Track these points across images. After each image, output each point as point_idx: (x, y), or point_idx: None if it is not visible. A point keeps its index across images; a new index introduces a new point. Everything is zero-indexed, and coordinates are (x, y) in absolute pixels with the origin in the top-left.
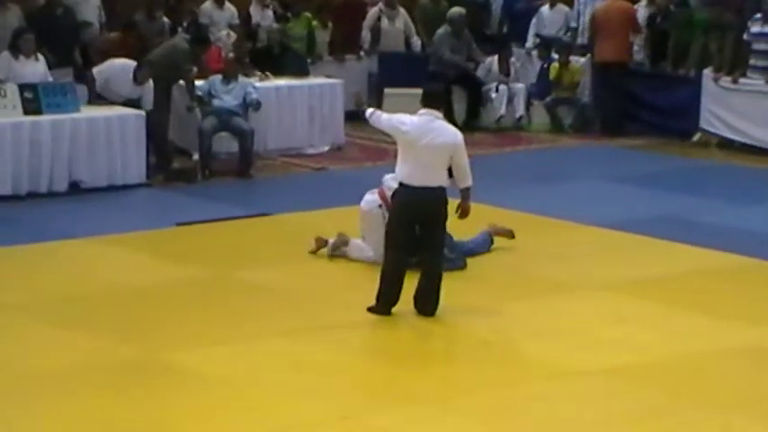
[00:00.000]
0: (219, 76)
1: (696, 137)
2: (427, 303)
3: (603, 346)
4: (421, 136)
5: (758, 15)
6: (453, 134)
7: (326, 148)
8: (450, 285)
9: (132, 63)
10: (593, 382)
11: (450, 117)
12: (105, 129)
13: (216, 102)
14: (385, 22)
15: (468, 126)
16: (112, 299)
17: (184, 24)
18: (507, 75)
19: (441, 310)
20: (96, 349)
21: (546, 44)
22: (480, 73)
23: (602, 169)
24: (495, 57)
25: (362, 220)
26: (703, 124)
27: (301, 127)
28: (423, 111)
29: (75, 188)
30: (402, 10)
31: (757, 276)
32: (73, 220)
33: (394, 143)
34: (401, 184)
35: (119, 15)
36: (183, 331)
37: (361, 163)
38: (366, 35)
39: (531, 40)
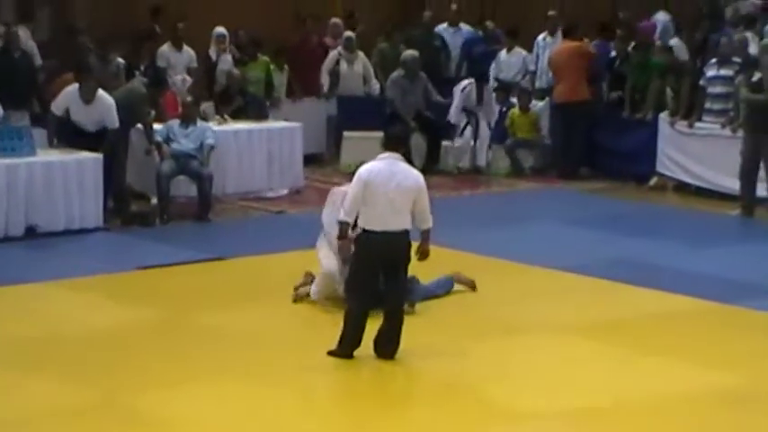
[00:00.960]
0: (177, 120)
1: (653, 181)
2: (388, 346)
3: (563, 389)
4: (389, 179)
5: (713, 59)
6: (416, 177)
7: (285, 192)
8: (410, 327)
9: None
10: (554, 425)
11: (408, 161)
12: (62, 173)
13: (174, 145)
14: (344, 66)
15: (428, 169)
16: (69, 343)
17: (142, 68)
18: (481, 102)
19: (401, 353)
20: (53, 393)
21: (504, 88)
22: (458, 100)
23: (560, 212)
24: (473, 84)
25: (320, 248)
26: (660, 168)
27: (260, 170)
28: (384, 154)
29: (31, 232)
30: (361, 53)
31: (714, 319)
32: (29, 265)
33: None
34: (365, 231)
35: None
36: (141, 375)
37: (321, 206)
38: (325, 78)
39: (491, 84)
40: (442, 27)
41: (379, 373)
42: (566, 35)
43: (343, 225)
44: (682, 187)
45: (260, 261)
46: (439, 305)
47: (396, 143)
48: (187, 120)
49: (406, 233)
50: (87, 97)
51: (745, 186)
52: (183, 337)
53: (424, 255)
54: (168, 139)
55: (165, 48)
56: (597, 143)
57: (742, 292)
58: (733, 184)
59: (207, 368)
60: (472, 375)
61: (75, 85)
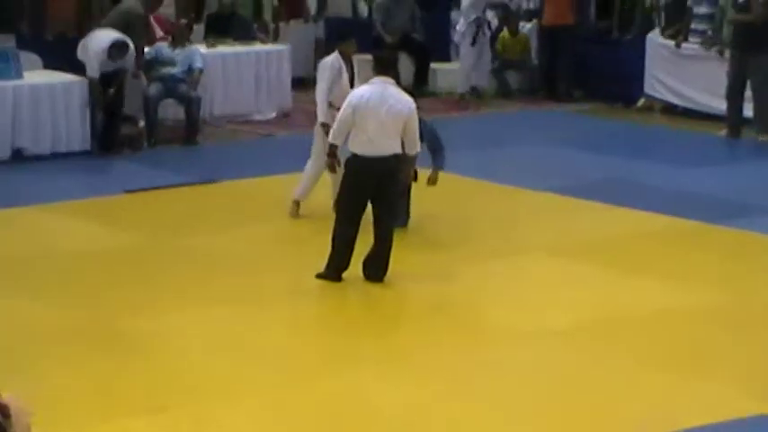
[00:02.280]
0: (166, 43)
1: (640, 102)
2: (377, 269)
3: (552, 309)
4: (380, 104)
5: None
6: (408, 102)
7: (273, 115)
8: (400, 249)
9: (107, 36)
10: (545, 345)
11: (396, 83)
12: (49, 96)
13: (161, 69)
14: None
15: (417, 91)
16: (59, 266)
17: None
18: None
19: (390, 275)
20: (44, 316)
21: (505, 8)
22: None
23: (547, 134)
24: None
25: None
26: (647, 89)
27: (248, 93)
28: (376, 79)
29: (18, 156)
30: None
31: (700, 239)
32: (17, 188)
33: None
34: (355, 156)
35: None
36: (132, 298)
37: (309, 129)
38: (312, 1)
39: None
40: None
41: (368, 296)
42: None
43: (332, 147)
44: (669, 108)
45: (248, 184)
46: (428, 227)
47: (386, 67)
48: (176, 43)
49: (395, 157)
50: (117, 58)
51: (732, 107)
52: (173, 260)
53: (407, 178)
54: (157, 62)
55: None
56: (585, 64)
57: (728, 212)
58: (720, 105)
59: (194, 293)
60: (462, 297)
61: (102, 36)
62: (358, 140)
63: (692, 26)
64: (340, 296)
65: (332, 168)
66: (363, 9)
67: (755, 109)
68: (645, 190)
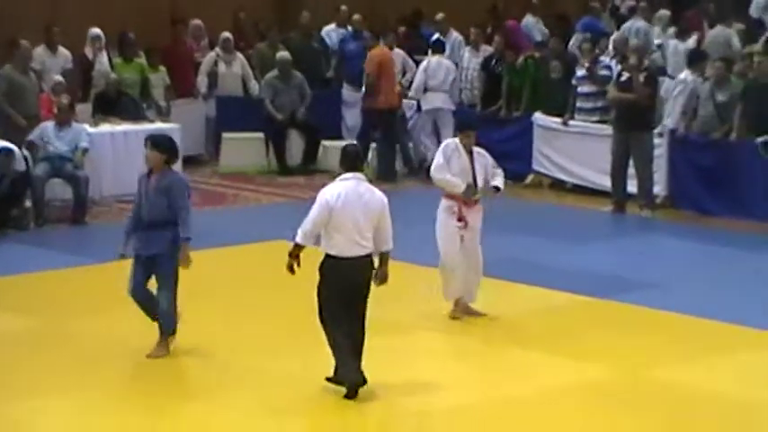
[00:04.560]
0: (52, 123)
1: (529, 178)
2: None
3: (442, 387)
4: (356, 201)
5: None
6: (381, 198)
7: None
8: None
9: None
10: (429, 427)
11: (281, 160)
12: None
13: (49, 148)
14: (222, 67)
15: (306, 169)
16: None
17: None
18: None
19: (290, 363)
20: None
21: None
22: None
23: (434, 213)
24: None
25: None
26: (535, 166)
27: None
28: (347, 175)
29: None
30: (239, 54)
31: (589, 314)
32: None
33: (233, 187)
34: (333, 257)
35: None
36: (12, 383)
37: (201, 208)
38: (203, 80)
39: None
40: (329, 27)
41: (245, 374)
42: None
43: (298, 247)
44: (557, 184)
45: None
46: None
47: (354, 161)
48: (62, 122)
49: (370, 256)
50: None
51: (616, 184)
52: (55, 343)
53: (383, 279)
54: (42, 142)
55: (40, 50)
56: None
57: (616, 287)
58: (605, 181)
59: (78, 375)
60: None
61: None
62: (333, 241)
63: (578, 104)
64: (220, 377)
65: (291, 269)
66: (255, 87)
67: (639, 185)
68: (534, 266)
